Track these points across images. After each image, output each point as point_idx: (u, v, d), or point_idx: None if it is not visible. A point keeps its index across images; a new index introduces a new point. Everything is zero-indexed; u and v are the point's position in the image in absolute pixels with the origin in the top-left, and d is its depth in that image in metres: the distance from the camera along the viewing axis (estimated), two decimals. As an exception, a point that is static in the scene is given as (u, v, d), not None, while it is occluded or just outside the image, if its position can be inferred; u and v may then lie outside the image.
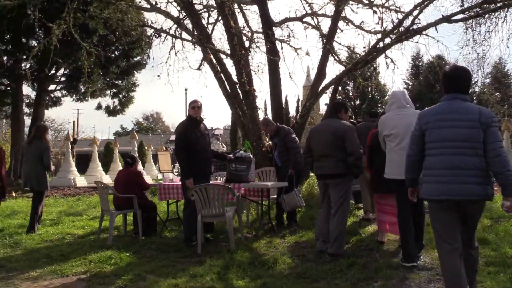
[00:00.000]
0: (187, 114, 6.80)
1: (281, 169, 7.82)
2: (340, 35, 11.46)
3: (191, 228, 6.49)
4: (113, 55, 17.83)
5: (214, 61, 10.67)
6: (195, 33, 10.73)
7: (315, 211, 8.45)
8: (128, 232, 7.71)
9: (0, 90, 17.32)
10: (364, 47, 12.28)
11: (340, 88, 13.45)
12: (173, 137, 10.62)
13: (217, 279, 4.96)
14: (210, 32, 11.55)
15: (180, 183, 7.19)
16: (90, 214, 9.80)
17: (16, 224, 8.80)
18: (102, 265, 5.77)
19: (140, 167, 18.48)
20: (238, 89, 10.23)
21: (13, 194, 13.84)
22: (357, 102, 42.48)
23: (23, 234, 7.88)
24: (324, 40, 11.76)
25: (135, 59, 18.75)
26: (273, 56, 10.32)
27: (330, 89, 11.76)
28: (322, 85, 11.28)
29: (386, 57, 11.35)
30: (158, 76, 12.17)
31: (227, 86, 10.46)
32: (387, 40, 10.60)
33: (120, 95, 19.96)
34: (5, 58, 15.53)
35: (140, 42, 17.87)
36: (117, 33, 17.53)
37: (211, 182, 6.96)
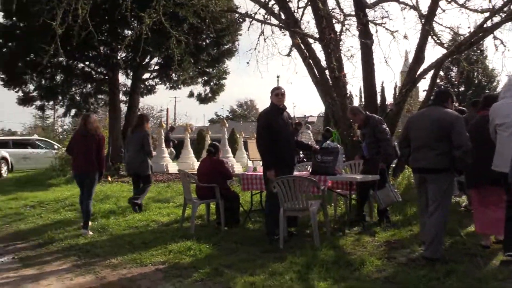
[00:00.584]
0: (270, 102, 6.46)
1: (368, 161, 7.25)
2: (442, 15, 10.41)
3: (274, 222, 6.16)
4: (203, 43, 17.93)
5: (302, 46, 10.21)
6: (283, 17, 10.34)
7: (410, 207, 7.81)
8: (211, 221, 7.58)
9: (98, 79, 18.05)
10: (469, 27, 11.18)
11: (441, 73, 12.32)
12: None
13: (297, 279, 4.59)
14: (299, 18, 11.12)
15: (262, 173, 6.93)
16: (177, 201, 9.84)
17: (107, 209, 9.01)
18: (181, 256, 5.63)
19: (230, 155, 18.63)
20: (328, 75, 9.70)
21: (109, 178, 14.40)
22: (461, 88, 39.55)
23: (111, 219, 8.04)
24: (423, 21, 10.84)
25: (225, 46, 18.72)
26: (365, 39, 9.67)
27: (430, 74, 10.84)
28: (420, 69, 10.40)
29: (495, 38, 10.20)
30: (247, 63, 12.05)
31: (316, 72, 9.97)
32: (496, 19, 9.50)
33: (211, 83, 20.06)
34: (102, 48, 16.15)
35: (230, 29, 17.82)
36: (206, 20, 17.80)
37: (295, 173, 6.59)
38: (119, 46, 14.44)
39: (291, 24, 9.68)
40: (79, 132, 7.45)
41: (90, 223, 7.33)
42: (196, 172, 7.50)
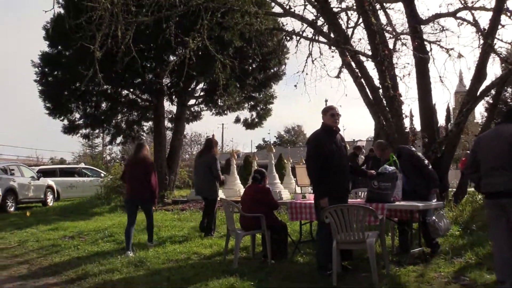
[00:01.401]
0: (322, 123, 5.82)
1: (413, 193, 6.42)
2: (500, 31, 9.55)
3: (326, 255, 5.47)
4: (249, 68, 17.57)
5: (353, 65, 9.58)
6: (332, 35, 9.77)
7: (471, 236, 6.96)
8: (256, 254, 6.93)
9: (143, 106, 17.94)
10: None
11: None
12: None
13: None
14: (350, 35, 10.53)
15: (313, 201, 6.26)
16: (221, 231, 9.27)
17: (147, 240, 8.53)
18: (223, 295, 5.02)
19: (277, 181, 18.01)
20: (381, 95, 8.99)
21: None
22: (516, 108, 37.12)
23: (150, 251, 7.53)
24: (482, 37, 10.00)
25: (271, 70, 18.29)
26: (422, 54, 8.92)
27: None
28: (482, 87, 9.54)
29: None
30: (295, 86, 11.62)
31: (368, 92, 9.28)
32: None
33: (258, 108, 19.57)
34: (146, 74, 16.03)
35: (276, 52, 17.40)
36: (252, 44, 17.46)
37: (349, 201, 5.90)
38: (163, 72, 14.32)
39: (341, 41, 9.07)
40: (131, 159, 8.15)
41: (130, 254, 7.27)
42: (240, 200, 6.90)
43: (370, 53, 8.94)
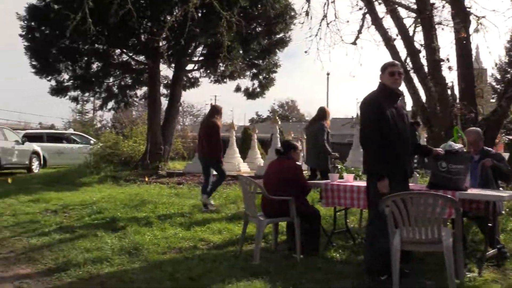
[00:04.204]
0: (379, 83, 4.48)
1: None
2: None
3: (380, 256, 4.21)
4: (253, 32, 16.05)
5: (386, 23, 8.18)
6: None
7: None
8: (279, 244, 5.65)
9: (137, 69, 16.43)
10: None
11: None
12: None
13: None
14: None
15: (357, 183, 4.97)
16: (228, 211, 8.00)
17: (143, 219, 7.24)
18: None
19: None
20: (423, 59, 7.63)
21: (146, 179, 12.70)
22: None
23: (147, 235, 6.22)
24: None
25: (277, 36, 16.80)
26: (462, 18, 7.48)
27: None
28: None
29: None
30: (306, 52, 10.25)
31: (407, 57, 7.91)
32: None
33: (261, 76, 18.05)
34: (142, 34, 14.55)
35: (284, 16, 15.93)
36: (259, 5, 15.89)
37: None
38: (161, 31, 12.80)
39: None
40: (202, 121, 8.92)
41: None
42: (262, 180, 5.54)
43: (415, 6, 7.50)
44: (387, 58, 8.36)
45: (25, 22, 14.70)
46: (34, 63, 14.99)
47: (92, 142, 19.11)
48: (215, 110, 8.68)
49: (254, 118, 66.57)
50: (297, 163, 5.36)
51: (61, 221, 7.33)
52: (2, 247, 5.91)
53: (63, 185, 11.87)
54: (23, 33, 14.81)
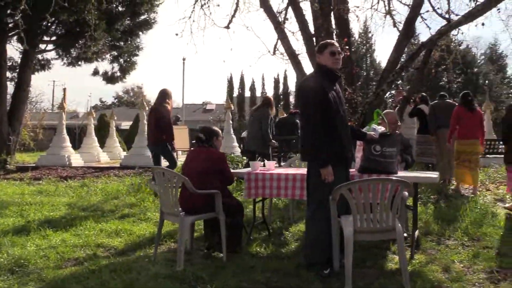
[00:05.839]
0: (316, 65, 4.12)
1: None
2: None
3: (325, 248, 3.89)
4: (115, 11, 14.76)
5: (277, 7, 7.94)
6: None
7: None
8: (196, 244, 5.04)
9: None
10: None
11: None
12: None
13: None
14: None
15: (283, 171, 4.60)
16: (112, 207, 7.08)
17: (13, 227, 6.04)
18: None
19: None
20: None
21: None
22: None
23: (28, 246, 5.12)
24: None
25: (142, 17, 15.72)
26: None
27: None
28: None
29: None
30: (177, 34, 10.15)
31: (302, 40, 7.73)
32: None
33: (121, 59, 16.84)
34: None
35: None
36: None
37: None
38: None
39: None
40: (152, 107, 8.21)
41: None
42: (181, 171, 4.83)
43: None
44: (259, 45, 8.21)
45: None
46: None
47: None
48: (166, 95, 8.07)
49: (98, 105, 63.23)
50: (221, 152, 4.76)
51: None
52: None
53: None
54: None
